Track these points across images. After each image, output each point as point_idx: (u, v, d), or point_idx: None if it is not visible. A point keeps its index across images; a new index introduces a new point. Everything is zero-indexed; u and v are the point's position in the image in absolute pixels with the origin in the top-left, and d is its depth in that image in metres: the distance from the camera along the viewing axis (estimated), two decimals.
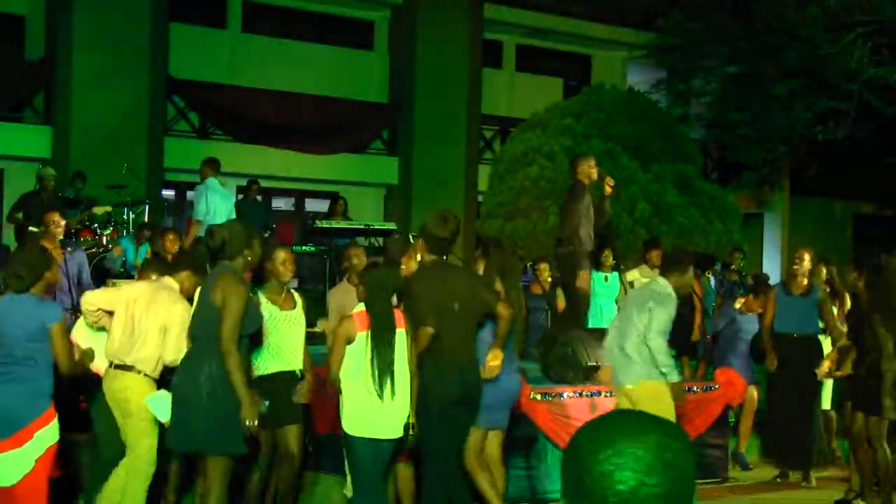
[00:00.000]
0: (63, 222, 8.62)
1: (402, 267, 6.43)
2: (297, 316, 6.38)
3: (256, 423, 5.29)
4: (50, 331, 5.42)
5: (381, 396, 5.62)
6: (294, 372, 6.28)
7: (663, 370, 6.57)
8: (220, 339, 5.19)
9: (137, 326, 6.01)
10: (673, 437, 1.59)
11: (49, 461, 5.43)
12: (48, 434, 5.43)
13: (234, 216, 10.87)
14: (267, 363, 6.19)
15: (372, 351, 5.66)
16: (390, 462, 5.99)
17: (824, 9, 14.65)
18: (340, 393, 5.83)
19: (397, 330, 5.78)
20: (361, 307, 5.81)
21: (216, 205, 11.36)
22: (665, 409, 6.45)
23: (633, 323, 6.66)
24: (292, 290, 6.52)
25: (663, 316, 6.58)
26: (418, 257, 6.56)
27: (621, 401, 6.82)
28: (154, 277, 6.37)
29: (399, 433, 5.75)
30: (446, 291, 6.09)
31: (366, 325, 5.71)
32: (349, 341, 5.72)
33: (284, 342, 6.27)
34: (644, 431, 1.57)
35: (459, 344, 6.09)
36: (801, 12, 15.03)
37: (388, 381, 5.65)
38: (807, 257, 8.69)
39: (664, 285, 6.75)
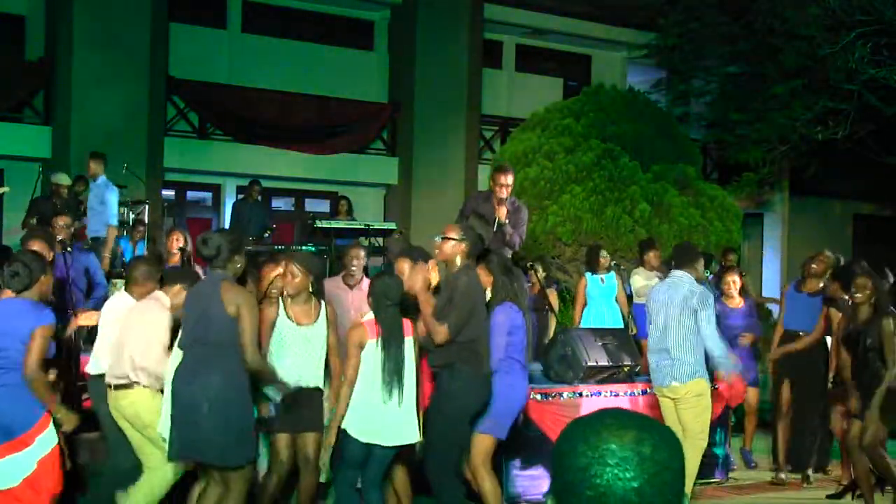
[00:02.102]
0: (69, 227, 8.57)
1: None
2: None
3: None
4: (33, 333, 5.23)
5: (387, 404, 5.67)
6: (318, 388, 6.15)
7: (723, 360, 6.97)
8: (245, 350, 5.31)
9: (122, 342, 6.06)
10: (652, 432, 1.61)
11: (52, 463, 5.31)
12: (49, 437, 5.34)
13: None
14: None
15: (382, 359, 5.71)
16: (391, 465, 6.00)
17: (824, 9, 14.64)
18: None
19: (406, 338, 5.82)
20: (371, 315, 5.84)
21: (116, 206, 11.31)
22: (705, 404, 6.97)
23: (677, 325, 6.88)
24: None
25: (712, 314, 6.96)
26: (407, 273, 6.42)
27: (664, 400, 7.06)
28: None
29: (400, 441, 5.77)
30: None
31: (376, 333, 5.75)
32: (361, 347, 5.75)
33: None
34: (622, 427, 1.60)
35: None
36: (801, 12, 15.04)
37: (397, 390, 5.69)
38: (827, 260, 8.66)
39: (692, 281, 6.94)
